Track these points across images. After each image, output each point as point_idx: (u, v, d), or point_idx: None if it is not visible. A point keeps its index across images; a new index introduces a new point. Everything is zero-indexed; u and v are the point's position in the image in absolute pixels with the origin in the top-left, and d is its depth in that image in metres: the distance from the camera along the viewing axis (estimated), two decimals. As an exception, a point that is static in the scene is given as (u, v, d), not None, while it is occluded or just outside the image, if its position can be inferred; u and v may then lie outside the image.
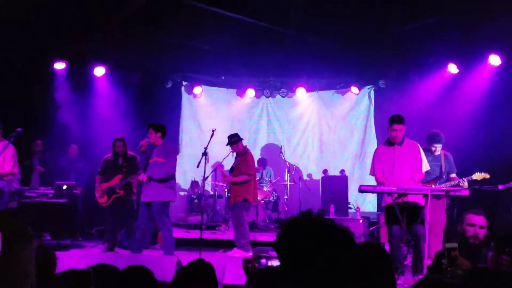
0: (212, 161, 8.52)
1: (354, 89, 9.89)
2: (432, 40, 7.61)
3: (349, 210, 8.76)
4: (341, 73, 9.71)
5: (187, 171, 10.25)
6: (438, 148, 6.11)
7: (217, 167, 7.04)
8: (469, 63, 7.91)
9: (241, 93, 10.44)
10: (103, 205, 6.82)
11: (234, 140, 6.83)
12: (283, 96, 10.28)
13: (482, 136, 7.48)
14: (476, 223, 3.51)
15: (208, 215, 9.05)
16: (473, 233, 3.49)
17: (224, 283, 4.57)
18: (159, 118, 9.51)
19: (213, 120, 10.17)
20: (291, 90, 10.17)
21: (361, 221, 7.69)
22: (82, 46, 8.24)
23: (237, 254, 6.45)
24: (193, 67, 9.75)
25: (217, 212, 9.20)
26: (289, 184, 9.20)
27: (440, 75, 8.33)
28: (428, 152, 5.93)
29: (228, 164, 7.39)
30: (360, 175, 9.96)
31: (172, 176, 6.27)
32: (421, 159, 5.44)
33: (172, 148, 6.47)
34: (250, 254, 6.28)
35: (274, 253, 2.09)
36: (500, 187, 5.87)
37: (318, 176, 9.94)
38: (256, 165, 7.47)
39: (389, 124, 5.41)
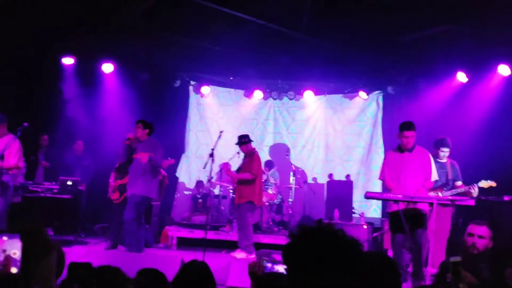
0: (217, 161, 8.51)
1: (362, 94, 9.84)
2: (441, 48, 7.57)
3: (353, 215, 8.72)
4: (349, 78, 9.67)
5: (193, 170, 10.26)
6: (446, 153, 6.08)
7: (223, 165, 7.04)
8: (478, 72, 7.87)
9: (248, 94, 10.43)
10: (115, 202, 6.85)
11: (244, 140, 6.85)
12: (290, 99, 10.25)
13: (490, 145, 7.43)
14: (475, 233, 3.50)
15: (212, 216, 9.04)
16: (471, 243, 3.48)
17: (228, 285, 4.55)
18: (166, 117, 9.58)
19: (220, 121, 10.19)
20: (299, 93, 10.14)
21: (365, 226, 7.66)
22: (91, 42, 8.26)
23: (240, 255, 6.44)
24: (202, 67, 9.75)
25: (222, 212, 9.19)
26: (294, 187, 9.17)
27: (449, 83, 8.30)
28: (435, 158, 5.89)
29: (233, 165, 7.38)
30: (365, 180, 9.92)
31: (159, 167, 6.30)
32: (431, 167, 5.39)
33: (158, 144, 6.43)
34: (253, 255, 6.27)
35: (278, 257, 2.07)
36: (506, 198, 5.81)
37: (323, 180, 9.90)
38: (262, 166, 7.47)
39: (400, 131, 5.35)
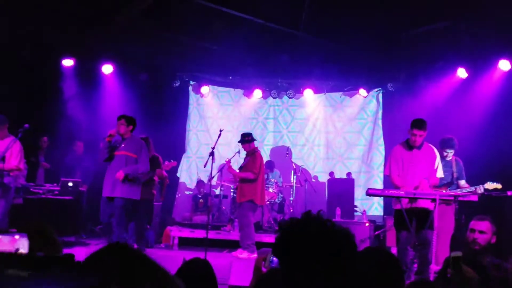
0: (218, 161, 8.51)
1: (362, 92, 9.82)
2: (441, 45, 7.56)
3: (355, 213, 8.70)
4: (349, 75, 9.65)
5: (193, 170, 10.26)
6: (450, 154, 6.05)
7: (226, 162, 7.03)
8: (479, 68, 7.85)
9: (248, 94, 10.41)
10: None
11: (248, 139, 6.85)
12: (290, 98, 10.24)
13: (491, 141, 7.40)
14: (476, 229, 3.51)
15: (213, 215, 9.03)
16: (472, 239, 3.49)
17: (230, 284, 4.55)
18: (166, 117, 9.58)
19: (220, 120, 10.17)
20: (299, 92, 10.13)
21: (367, 224, 7.64)
22: (90, 43, 8.26)
23: (242, 254, 6.43)
24: (201, 67, 9.74)
25: (223, 212, 9.18)
26: (295, 186, 9.16)
27: (449, 79, 8.27)
28: (440, 157, 5.87)
29: (233, 164, 7.36)
30: (366, 178, 9.90)
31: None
32: (437, 165, 5.36)
33: (142, 143, 6.22)
34: (255, 255, 6.26)
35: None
36: (509, 193, 5.80)
37: (324, 178, 9.89)
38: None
39: (411, 127, 5.25)
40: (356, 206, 8.87)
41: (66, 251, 2.32)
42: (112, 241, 6.58)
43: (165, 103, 9.76)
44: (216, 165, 8.35)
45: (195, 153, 10.36)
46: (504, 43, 7.09)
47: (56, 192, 7.20)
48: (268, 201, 8.62)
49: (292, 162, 9.34)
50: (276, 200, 9.03)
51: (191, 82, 10.35)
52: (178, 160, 9.69)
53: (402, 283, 2.23)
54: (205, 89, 10.20)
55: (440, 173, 5.40)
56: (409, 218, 4.99)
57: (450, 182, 6.03)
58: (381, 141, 9.90)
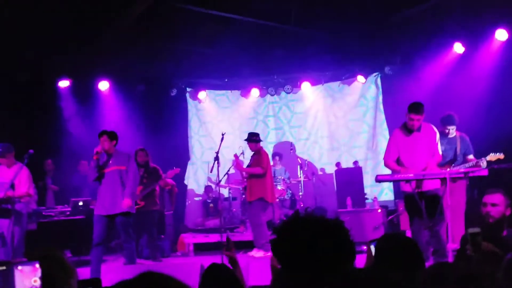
0: (223, 164, 8.50)
1: (360, 78, 9.75)
2: (434, 22, 7.49)
3: (366, 201, 8.67)
4: (345, 63, 9.61)
5: (199, 176, 10.26)
6: (452, 130, 6.01)
7: (234, 156, 7.06)
8: (475, 41, 7.74)
9: (245, 94, 10.40)
10: None
11: (255, 138, 6.91)
12: (288, 93, 10.21)
13: (494, 113, 7.34)
14: (488, 202, 3.51)
15: (225, 218, 9.03)
16: (485, 212, 3.49)
17: (249, 284, 4.53)
18: (167, 127, 9.58)
19: (220, 124, 10.16)
20: (296, 86, 10.09)
21: (379, 210, 7.62)
22: (83, 62, 8.27)
23: (258, 254, 6.42)
24: (196, 72, 9.74)
25: (234, 214, 9.20)
26: (303, 180, 9.13)
27: (446, 56, 8.20)
28: (443, 135, 5.82)
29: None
30: (373, 164, 9.85)
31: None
32: (437, 143, 5.33)
33: (128, 154, 6.07)
34: (271, 253, 6.24)
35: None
36: None
37: (331, 169, 9.84)
38: (271, 160, 7.49)
39: (408, 111, 5.17)
40: (366, 194, 8.83)
41: (84, 270, 2.31)
42: (127, 258, 6.50)
43: (164, 112, 9.76)
44: (222, 168, 8.35)
45: (199, 159, 10.36)
46: (499, 12, 6.98)
47: (68, 213, 7.22)
48: (277, 198, 8.62)
49: (297, 157, 9.31)
50: (285, 196, 9.02)
51: (188, 89, 10.34)
52: (184, 167, 9.69)
53: (422, 265, 2.22)
54: (202, 95, 10.19)
55: (440, 150, 5.37)
56: (419, 203, 4.96)
57: (452, 160, 5.98)
58: (385, 125, 9.83)
